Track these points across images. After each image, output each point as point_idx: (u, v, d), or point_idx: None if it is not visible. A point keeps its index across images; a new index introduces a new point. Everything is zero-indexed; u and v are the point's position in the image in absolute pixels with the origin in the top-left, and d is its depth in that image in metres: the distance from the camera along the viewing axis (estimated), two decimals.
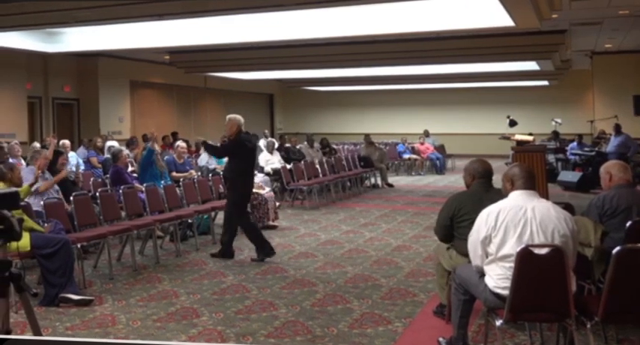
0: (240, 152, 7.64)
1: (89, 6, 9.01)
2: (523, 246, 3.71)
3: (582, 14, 11.53)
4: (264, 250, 7.53)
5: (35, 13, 9.59)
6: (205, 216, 8.92)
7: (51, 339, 1.29)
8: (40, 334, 3.04)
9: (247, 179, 7.75)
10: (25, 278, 3.04)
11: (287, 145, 14.99)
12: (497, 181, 4.76)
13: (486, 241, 3.89)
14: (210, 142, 8.34)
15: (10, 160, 8.65)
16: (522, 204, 3.86)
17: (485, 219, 3.89)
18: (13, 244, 2.83)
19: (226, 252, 7.64)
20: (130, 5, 9.12)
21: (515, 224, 3.81)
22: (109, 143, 12.82)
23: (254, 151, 8.07)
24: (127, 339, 4.86)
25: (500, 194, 4.25)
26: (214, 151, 8.51)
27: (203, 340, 4.83)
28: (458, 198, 4.85)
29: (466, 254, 4.24)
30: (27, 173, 6.51)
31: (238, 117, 7.75)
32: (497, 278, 3.87)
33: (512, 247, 3.77)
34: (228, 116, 7.81)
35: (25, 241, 5.36)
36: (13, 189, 3.59)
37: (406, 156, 19.19)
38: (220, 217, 8.99)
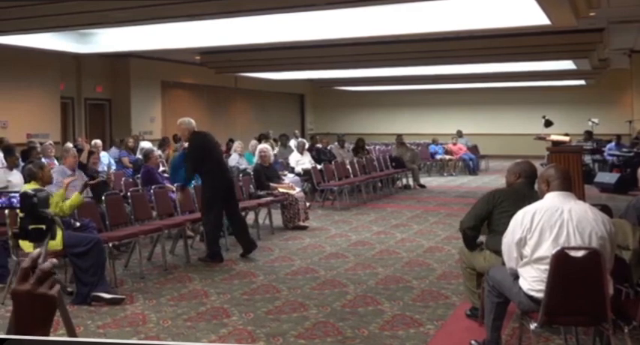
0: (200, 153, 7.62)
1: (123, 7, 9.07)
2: (559, 248, 3.62)
3: (621, 12, 11.27)
4: (246, 247, 7.67)
5: (70, 15, 9.68)
6: None
7: (52, 339, 1.27)
8: (75, 334, 3.04)
9: (216, 176, 7.62)
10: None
11: (318, 145, 14.95)
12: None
13: (521, 242, 3.80)
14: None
15: (44, 160, 8.75)
16: (558, 205, 3.77)
17: (521, 220, 3.80)
18: (50, 243, 2.84)
19: (214, 254, 7.49)
20: (164, 6, 9.15)
21: (551, 226, 3.72)
22: (142, 144, 12.92)
23: (213, 146, 7.92)
24: (158, 338, 4.86)
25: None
26: (188, 174, 8.01)
27: (233, 340, 4.81)
28: (500, 191, 4.87)
29: (500, 252, 4.16)
30: (57, 173, 6.56)
31: (187, 120, 7.74)
32: (532, 280, 3.78)
33: (547, 249, 3.69)
34: (178, 121, 7.79)
35: (57, 240, 5.40)
36: (46, 190, 3.62)
37: (439, 156, 19.03)
38: (250, 217, 8.99)
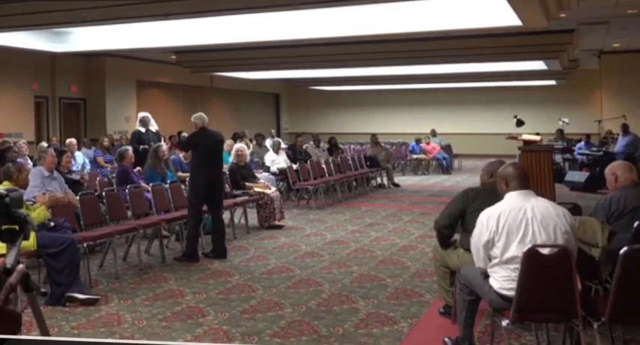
0: (197, 146, 7.74)
1: (94, 6, 9.00)
2: (529, 246, 3.69)
3: (590, 13, 11.49)
4: (218, 252, 7.63)
5: (40, 13, 9.60)
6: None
7: (51, 339, 1.27)
8: (48, 334, 3.04)
9: (206, 173, 7.67)
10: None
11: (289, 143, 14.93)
12: None
13: (488, 244, 3.86)
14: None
15: (19, 160, 8.66)
16: (521, 205, 3.84)
17: (486, 223, 3.86)
18: (23, 244, 2.83)
19: (191, 253, 7.53)
20: (134, 5, 9.10)
21: (517, 226, 3.78)
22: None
23: (215, 145, 7.96)
24: (133, 338, 4.86)
25: None
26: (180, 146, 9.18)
27: (209, 339, 4.82)
28: (473, 190, 4.94)
29: None
30: (34, 176, 6.50)
31: (197, 115, 7.87)
32: (503, 280, 3.84)
33: (516, 250, 3.75)
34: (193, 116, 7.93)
35: (31, 241, 5.36)
36: (21, 191, 3.58)
37: (414, 156, 19.15)
38: (226, 216, 8.97)
